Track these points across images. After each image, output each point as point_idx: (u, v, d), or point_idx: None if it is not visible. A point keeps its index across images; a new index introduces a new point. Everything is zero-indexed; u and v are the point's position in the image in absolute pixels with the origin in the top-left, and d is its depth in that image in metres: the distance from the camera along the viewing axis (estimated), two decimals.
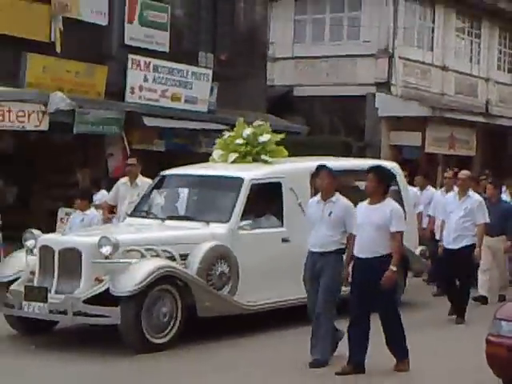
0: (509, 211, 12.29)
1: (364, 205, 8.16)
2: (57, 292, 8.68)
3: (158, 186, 10.93)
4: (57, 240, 9.11)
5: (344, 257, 8.26)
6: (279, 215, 10.21)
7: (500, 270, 12.52)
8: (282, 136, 11.21)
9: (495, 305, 11.35)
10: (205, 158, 12.04)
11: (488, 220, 10.91)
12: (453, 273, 10.84)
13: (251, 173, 10.21)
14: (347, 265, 8.16)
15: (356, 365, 7.93)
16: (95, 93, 16.33)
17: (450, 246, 10.72)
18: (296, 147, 19.63)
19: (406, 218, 11.63)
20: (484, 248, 11.52)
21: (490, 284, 12.33)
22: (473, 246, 10.71)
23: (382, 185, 8.01)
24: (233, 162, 10.71)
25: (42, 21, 15.17)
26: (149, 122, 16.63)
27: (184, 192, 10.77)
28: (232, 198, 9.83)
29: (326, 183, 8.38)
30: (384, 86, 23.40)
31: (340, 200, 8.38)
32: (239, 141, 10.71)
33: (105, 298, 8.53)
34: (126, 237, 9.24)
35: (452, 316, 10.96)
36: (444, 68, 25.58)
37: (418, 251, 11.96)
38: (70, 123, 15.22)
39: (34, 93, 14.83)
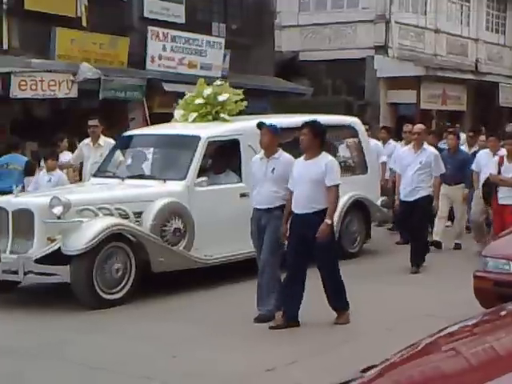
0: (466, 161, 11.42)
1: (300, 160, 7.36)
2: (11, 252, 8.10)
3: (120, 146, 10.19)
4: (10, 201, 8.39)
5: None
6: (238, 171, 9.46)
7: (457, 217, 11.72)
8: (240, 94, 10.24)
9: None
10: None
11: (444, 171, 10.19)
12: (405, 224, 10.28)
13: (208, 131, 9.47)
14: (285, 221, 7.35)
15: (290, 318, 7.19)
16: (119, 62, 16.30)
17: (406, 199, 9.91)
18: (302, 107, 19.67)
19: (367, 170, 11.12)
20: (442, 196, 10.85)
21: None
22: (429, 197, 9.92)
23: (316, 139, 7.20)
24: (193, 121, 9.94)
25: None
26: (168, 87, 16.62)
27: (144, 151, 10.06)
28: (189, 155, 9.14)
29: (267, 140, 7.58)
30: (382, 49, 23.21)
31: (283, 156, 7.58)
32: (199, 100, 9.94)
33: (60, 257, 7.98)
34: (79, 196, 8.64)
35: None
36: (436, 31, 25.29)
37: (379, 202, 11.24)
38: (97, 90, 15.25)
39: (63, 64, 14.85)
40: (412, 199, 9.83)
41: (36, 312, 7.94)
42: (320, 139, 7.24)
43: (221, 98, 9.95)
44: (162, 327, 7.31)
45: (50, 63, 14.63)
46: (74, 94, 14.68)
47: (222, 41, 18.58)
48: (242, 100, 10.26)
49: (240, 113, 10.41)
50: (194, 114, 9.95)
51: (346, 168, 10.71)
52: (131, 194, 8.90)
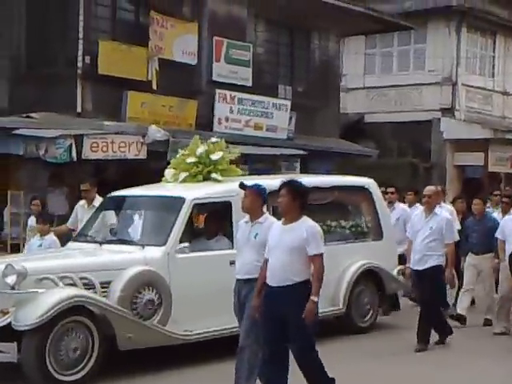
0: (495, 228, 10.30)
1: (278, 225, 6.52)
2: None
3: (102, 208, 9.49)
4: None
5: None
6: (230, 236, 8.40)
7: (486, 290, 10.60)
8: (236, 153, 9.60)
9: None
10: None
11: (457, 238, 9.49)
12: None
13: (194, 192, 8.68)
14: (257, 294, 6.47)
15: None
16: (187, 124, 16.69)
17: (415, 267, 9.08)
18: (367, 169, 19.77)
19: (382, 236, 10.24)
20: (468, 266, 10.40)
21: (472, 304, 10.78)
22: (439, 267, 8.96)
23: (296, 201, 6.35)
24: (182, 181, 9.24)
25: (140, 62, 15.58)
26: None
27: (126, 214, 9.31)
28: (171, 219, 8.30)
29: (249, 202, 6.82)
30: (448, 111, 23.25)
31: (268, 221, 6.73)
32: (191, 159, 9.26)
33: (13, 333, 7.14)
34: (37, 264, 7.77)
35: (438, 344, 9.21)
36: (505, 93, 25.23)
37: (395, 271, 10.19)
38: (165, 152, 15.63)
39: (133, 126, 15.28)
40: (421, 268, 8.97)
41: None
42: (300, 201, 6.39)
43: (214, 157, 9.20)
44: None
45: (121, 125, 15.07)
46: (143, 155, 15.08)
47: (288, 103, 18.87)
48: (237, 163, 9.67)
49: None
50: (184, 174, 9.26)
51: (359, 233, 10.21)
52: (99, 261, 8.08)
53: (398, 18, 21.20)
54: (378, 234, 10.42)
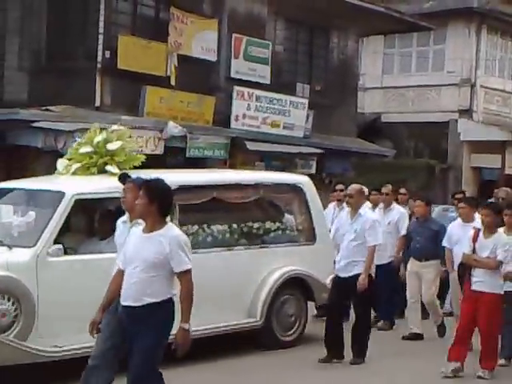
0: (440, 232, 9.27)
1: (137, 232, 5.35)
2: None
3: None
4: None
5: None
6: None
7: (427, 297, 9.40)
8: (135, 144, 8.55)
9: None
10: None
11: (380, 242, 8.22)
12: (338, 307, 8.26)
13: (77, 186, 7.56)
14: (100, 309, 5.49)
15: None
16: (204, 120, 16.73)
17: (341, 274, 8.11)
18: (383, 169, 19.76)
19: (315, 239, 9.02)
20: (410, 274, 9.35)
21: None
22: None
23: (153, 205, 5.17)
24: (74, 173, 8.06)
25: (159, 58, 15.61)
26: (251, 146, 16.97)
27: (3, 209, 7.92)
28: (47, 216, 7.16)
29: (131, 198, 5.69)
30: (466, 112, 23.20)
31: (170, 230, 5.37)
32: (86, 149, 8.06)
33: None
34: None
35: (326, 362, 8.09)
36: None
37: (329, 279, 8.69)
38: (182, 148, 15.69)
39: (151, 121, 15.34)
40: (346, 275, 8.04)
41: None
42: (159, 205, 5.18)
43: (110, 147, 7.97)
44: None
45: (138, 120, 15.10)
46: (160, 150, 15.13)
47: (306, 101, 18.87)
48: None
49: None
50: (76, 165, 8.07)
51: (286, 236, 8.97)
52: None
53: (417, 18, 21.14)
54: (311, 238, 9.20)
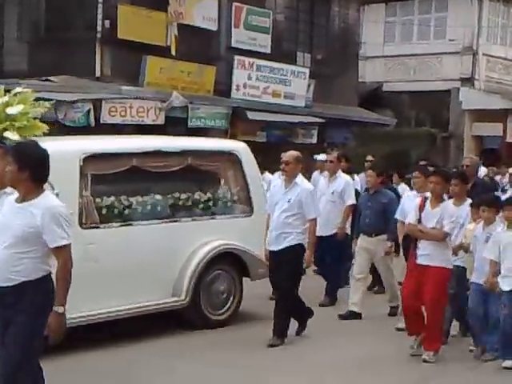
0: (391, 204, 8.51)
1: (11, 200, 4.65)
2: None
3: None
4: None
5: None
6: None
7: (383, 276, 8.79)
8: (45, 106, 7.44)
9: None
10: (302, 147, 12.12)
11: (317, 215, 7.49)
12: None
13: None
14: None
15: None
16: (205, 90, 16.70)
17: (271, 248, 7.45)
18: (385, 138, 19.72)
19: (252, 211, 8.27)
20: (359, 250, 8.54)
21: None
22: (299, 247, 7.33)
23: (24, 172, 4.49)
24: None
25: (159, 27, 15.57)
26: (252, 116, 16.94)
27: None
28: None
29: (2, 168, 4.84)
30: (468, 81, 23.08)
31: (44, 200, 4.55)
32: None
33: None
34: None
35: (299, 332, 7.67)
36: None
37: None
38: (183, 118, 15.66)
39: (152, 91, 15.31)
40: (276, 249, 7.37)
41: None
42: (31, 171, 4.50)
43: (10, 111, 7.14)
44: None
45: (139, 90, 15.11)
46: (161, 121, 15.13)
47: (307, 71, 18.81)
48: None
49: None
50: None
51: (219, 208, 8.16)
52: None
53: None
54: (248, 210, 8.38)
